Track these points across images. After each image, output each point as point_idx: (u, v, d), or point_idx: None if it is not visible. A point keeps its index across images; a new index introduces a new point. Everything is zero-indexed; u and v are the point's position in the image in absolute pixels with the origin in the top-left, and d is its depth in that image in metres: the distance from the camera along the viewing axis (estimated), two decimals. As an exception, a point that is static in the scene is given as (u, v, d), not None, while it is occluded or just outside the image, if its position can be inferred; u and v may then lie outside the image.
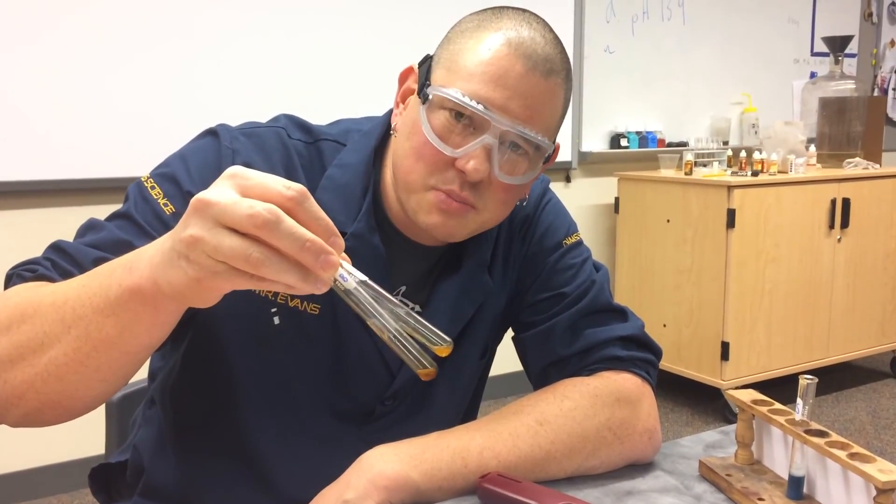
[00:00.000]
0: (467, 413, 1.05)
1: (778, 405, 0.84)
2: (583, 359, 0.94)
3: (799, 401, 0.78)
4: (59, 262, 0.77)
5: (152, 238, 0.68)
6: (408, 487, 0.78)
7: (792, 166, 3.25)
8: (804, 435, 0.76)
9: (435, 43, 0.89)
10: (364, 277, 0.61)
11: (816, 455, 0.77)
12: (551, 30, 0.85)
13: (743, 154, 3.28)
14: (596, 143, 3.55)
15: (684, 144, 3.68)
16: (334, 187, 0.88)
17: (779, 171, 3.24)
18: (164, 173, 0.85)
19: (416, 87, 0.87)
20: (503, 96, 0.80)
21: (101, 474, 1.01)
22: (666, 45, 3.67)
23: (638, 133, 3.59)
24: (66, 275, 0.75)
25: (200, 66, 2.58)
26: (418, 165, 0.82)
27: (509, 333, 1.04)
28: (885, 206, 3.45)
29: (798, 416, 0.79)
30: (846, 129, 3.56)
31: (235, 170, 0.58)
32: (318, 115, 1.02)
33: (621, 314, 0.97)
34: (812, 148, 3.53)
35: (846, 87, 3.65)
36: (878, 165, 3.53)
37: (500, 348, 1.05)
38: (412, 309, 0.93)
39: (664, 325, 3.27)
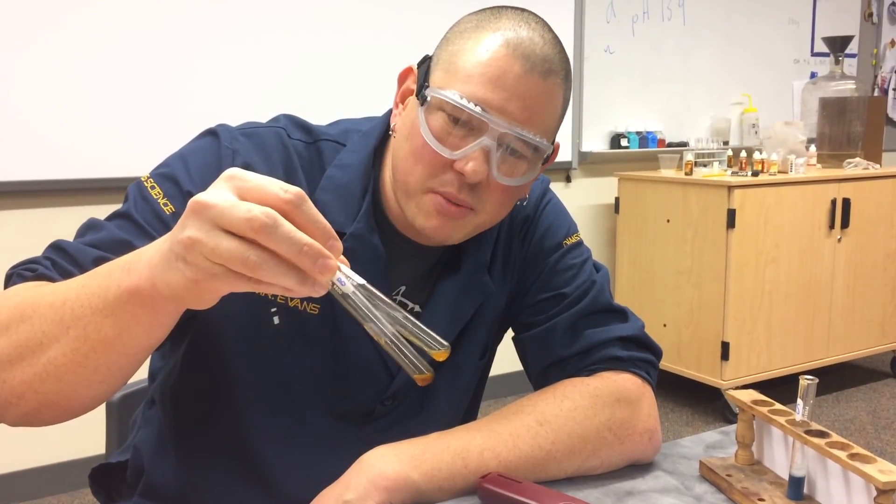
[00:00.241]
0: (467, 413, 1.05)
1: (778, 405, 0.84)
2: (583, 359, 0.94)
3: (799, 401, 0.78)
4: (59, 262, 0.77)
5: (152, 238, 0.68)
6: (408, 488, 0.78)
7: (792, 166, 3.25)
8: (804, 435, 0.76)
9: (434, 42, 0.89)
10: (362, 281, 0.60)
11: (817, 455, 0.77)
12: (550, 29, 0.85)
13: (743, 154, 3.28)
14: (596, 143, 3.55)
15: (684, 144, 3.68)
16: (334, 187, 0.88)
17: (779, 172, 3.24)
18: (164, 173, 0.85)
19: (414, 87, 0.86)
20: (501, 98, 0.80)
21: (101, 474, 1.01)
22: (666, 46, 3.67)
23: (638, 133, 3.59)
24: (66, 274, 0.75)
25: (200, 66, 2.58)
26: (417, 167, 0.82)
27: (509, 334, 1.04)
28: (885, 207, 3.45)
29: (798, 417, 0.79)
30: (846, 129, 3.56)
31: (233, 172, 0.58)
32: (318, 116, 1.02)
33: (621, 314, 0.97)
34: (812, 148, 3.53)
35: (846, 88, 3.65)
36: (878, 165, 3.53)
37: (499, 348, 1.05)
38: (411, 310, 0.93)
39: (664, 326, 3.27)
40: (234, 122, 0.93)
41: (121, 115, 2.47)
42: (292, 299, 0.87)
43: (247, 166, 0.84)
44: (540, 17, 0.86)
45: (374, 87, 2.82)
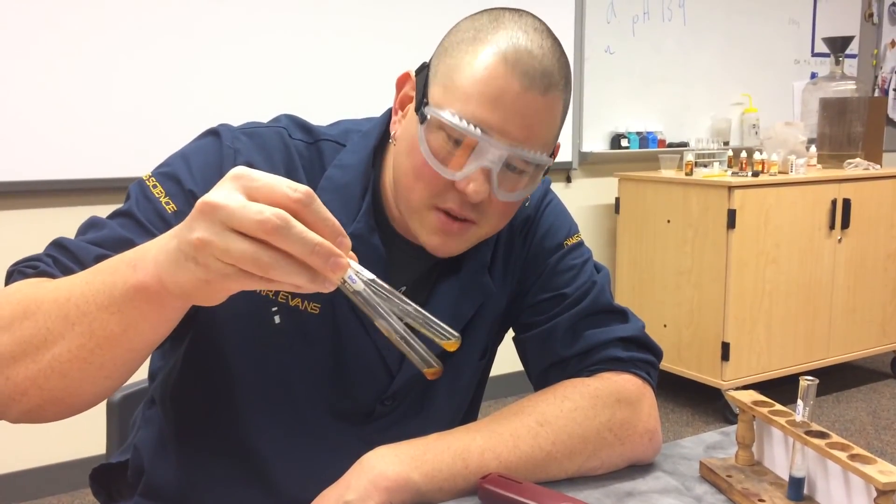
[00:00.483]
0: (467, 414, 1.05)
1: (778, 406, 0.84)
2: (583, 360, 0.94)
3: (799, 402, 0.78)
4: (61, 259, 0.76)
5: (154, 236, 0.68)
6: (409, 488, 0.78)
7: (792, 167, 3.25)
8: (805, 436, 0.76)
9: (433, 42, 0.88)
10: (372, 276, 0.61)
11: (817, 456, 0.77)
12: (550, 34, 0.83)
13: (743, 154, 3.29)
14: (596, 143, 3.55)
15: (685, 145, 3.68)
16: (334, 187, 0.88)
17: (779, 172, 3.24)
18: (165, 172, 0.85)
19: (413, 94, 0.86)
20: (501, 118, 0.78)
21: (101, 475, 1.01)
22: (666, 46, 3.67)
23: (638, 133, 3.59)
24: (67, 272, 0.75)
25: (201, 66, 2.58)
26: (418, 185, 0.82)
27: (510, 334, 1.04)
28: (885, 207, 3.45)
29: (798, 418, 0.79)
30: (847, 129, 3.56)
31: (240, 171, 0.58)
32: (318, 117, 1.02)
33: (622, 315, 0.97)
34: (812, 148, 3.53)
35: (847, 88, 3.65)
36: (878, 166, 3.53)
37: (500, 349, 1.06)
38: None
39: (664, 326, 3.27)
40: (235, 122, 0.93)
41: (121, 116, 2.47)
42: (293, 298, 0.87)
43: (248, 165, 0.83)
44: (539, 22, 0.83)
45: (374, 88, 2.82)
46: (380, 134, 0.92)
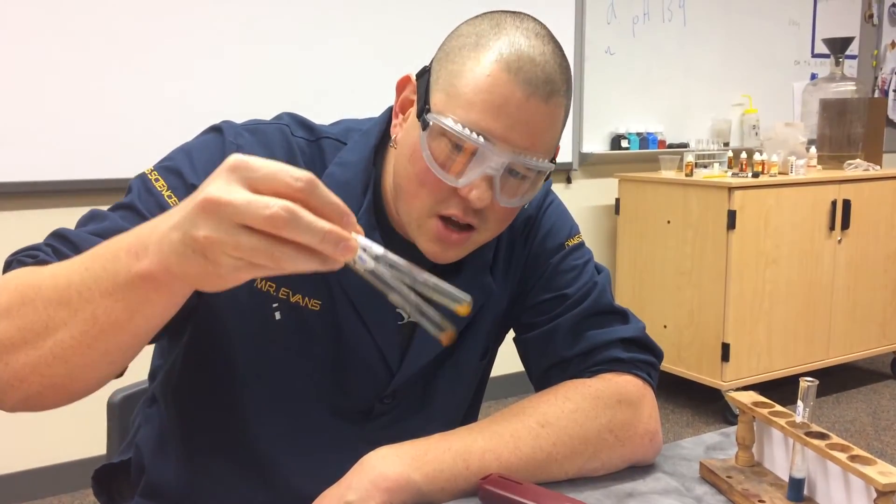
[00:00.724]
0: (468, 414, 1.06)
1: (778, 407, 0.84)
2: (584, 360, 0.94)
3: (799, 403, 0.78)
4: (61, 249, 0.76)
5: None
6: (409, 489, 0.78)
7: (792, 168, 3.25)
8: (805, 437, 0.76)
9: (433, 42, 0.88)
10: (381, 250, 0.61)
11: (817, 457, 0.77)
12: (551, 38, 0.83)
13: (743, 155, 3.29)
14: (596, 144, 3.55)
15: (685, 146, 3.68)
16: (334, 185, 0.88)
17: (779, 173, 3.24)
18: (168, 166, 0.85)
19: (413, 97, 0.86)
20: (504, 126, 0.79)
21: (103, 475, 1.01)
22: (667, 47, 3.67)
23: (638, 134, 3.59)
24: None
25: (201, 67, 2.58)
26: (421, 191, 0.82)
27: (510, 335, 1.04)
28: (885, 208, 3.45)
29: (799, 419, 0.79)
30: (847, 130, 3.56)
31: (237, 161, 0.57)
32: (317, 117, 1.02)
33: (622, 316, 0.97)
34: (812, 149, 3.53)
35: (847, 89, 3.65)
36: (878, 167, 3.53)
37: (501, 349, 1.06)
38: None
39: (665, 327, 3.27)
40: (236, 121, 0.93)
41: (122, 117, 2.47)
42: (294, 294, 0.87)
43: None
44: (540, 26, 0.83)
45: (374, 88, 2.82)
46: (380, 133, 0.92)
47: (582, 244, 1.00)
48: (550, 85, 0.80)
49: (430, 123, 0.80)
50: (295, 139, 0.90)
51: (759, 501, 0.79)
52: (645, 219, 3.33)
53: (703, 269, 3.12)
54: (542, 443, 0.84)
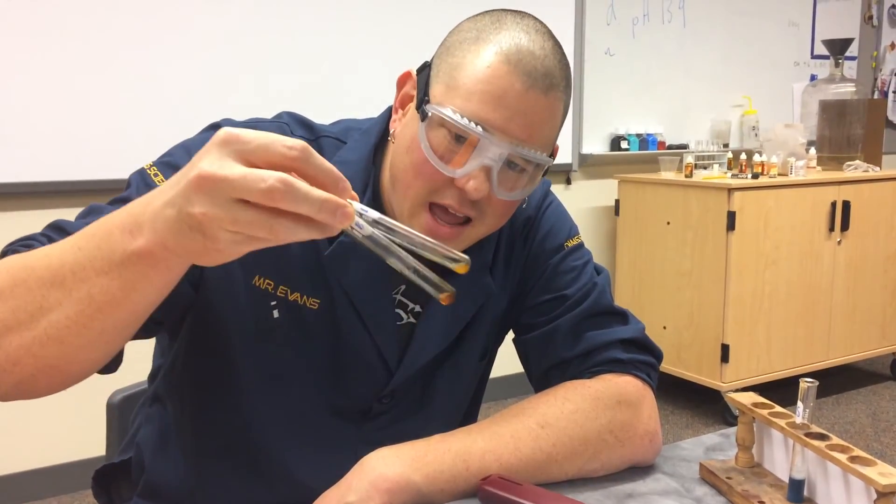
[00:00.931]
0: (467, 415, 1.06)
1: (778, 408, 0.84)
2: (584, 361, 0.94)
3: (799, 404, 0.78)
4: (57, 239, 0.75)
5: None
6: (409, 490, 0.78)
7: (792, 169, 3.25)
8: (805, 438, 0.76)
9: (433, 42, 0.88)
10: (377, 215, 0.61)
11: (817, 458, 0.77)
12: (551, 36, 0.84)
13: (743, 156, 3.29)
14: (596, 145, 3.55)
15: (684, 147, 3.68)
16: None
17: (779, 174, 3.24)
18: (167, 161, 0.86)
19: (413, 93, 0.86)
20: (503, 117, 0.79)
21: (103, 476, 1.01)
22: (666, 48, 3.67)
23: (638, 135, 3.59)
24: None
25: (201, 67, 2.58)
26: (417, 182, 0.82)
27: (510, 335, 1.04)
28: (885, 209, 3.45)
29: (798, 420, 0.79)
30: (846, 131, 3.56)
31: (229, 134, 0.56)
32: (316, 118, 1.02)
33: (622, 317, 0.97)
34: (812, 150, 3.53)
35: (846, 90, 3.65)
36: (878, 168, 3.53)
37: (500, 350, 1.06)
38: (411, 310, 0.93)
39: (664, 328, 3.27)
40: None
41: (122, 117, 2.47)
42: (292, 293, 0.87)
43: None
44: (541, 24, 0.84)
45: (373, 89, 2.82)
46: (380, 132, 0.92)
47: (581, 245, 1.01)
48: (550, 78, 0.81)
49: (429, 114, 0.81)
50: (294, 138, 0.90)
51: (759, 502, 0.79)
52: (644, 220, 3.33)
53: (702, 270, 3.12)
54: (542, 444, 0.84)
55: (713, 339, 3.10)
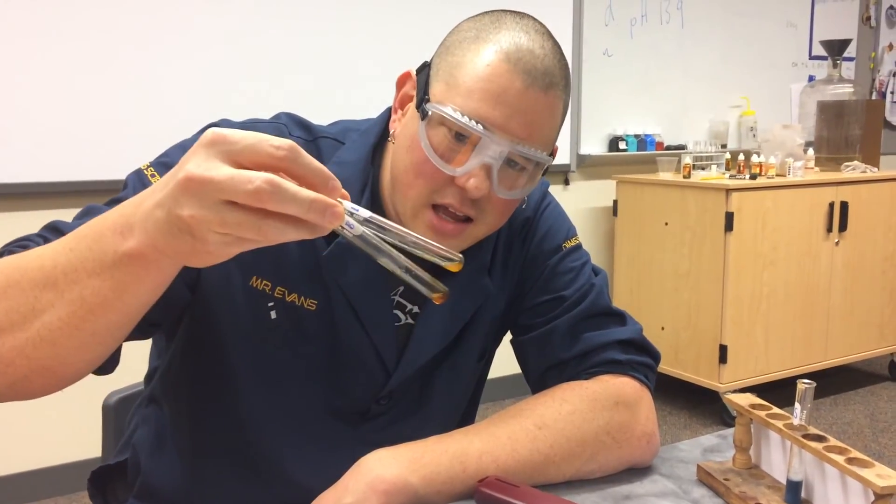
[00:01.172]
0: (465, 416, 1.05)
1: (776, 409, 0.84)
2: (582, 362, 0.94)
3: (797, 405, 0.78)
4: (53, 240, 0.75)
5: None
6: (406, 491, 0.77)
7: (790, 169, 3.26)
8: (802, 440, 0.76)
9: (432, 43, 0.88)
10: (368, 213, 0.60)
11: (815, 460, 0.77)
12: (551, 36, 0.84)
13: (741, 157, 3.29)
14: (594, 145, 3.55)
15: (683, 147, 3.68)
16: None
17: (777, 175, 3.24)
18: (164, 162, 0.86)
19: (413, 93, 0.86)
20: (503, 114, 0.79)
21: (99, 477, 1.01)
22: (664, 49, 3.67)
23: (636, 136, 3.60)
24: None
25: (199, 68, 2.58)
26: (418, 181, 0.82)
27: (507, 336, 1.04)
28: (883, 210, 3.46)
29: (796, 421, 0.79)
30: (844, 132, 3.56)
31: (216, 135, 0.56)
32: (314, 118, 1.02)
33: (620, 318, 0.97)
34: (810, 151, 3.53)
35: (844, 91, 3.65)
36: (876, 169, 3.53)
37: (498, 350, 1.05)
38: (409, 311, 0.93)
39: (662, 328, 3.27)
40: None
41: (120, 118, 2.47)
42: (289, 294, 0.87)
43: None
44: (540, 24, 0.85)
45: (371, 89, 2.82)
46: (379, 132, 0.92)
47: (579, 246, 1.00)
48: (549, 77, 0.81)
49: (429, 113, 0.81)
50: (292, 138, 0.89)
51: (757, 504, 0.79)
52: (642, 220, 3.33)
53: (700, 270, 3.12)
54: (540, 445, 0.84)
55: (711, 340, 3.10)
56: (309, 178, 0.57)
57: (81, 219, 0.80)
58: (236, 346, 0.88)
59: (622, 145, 3.55)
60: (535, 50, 0.81)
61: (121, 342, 0.72)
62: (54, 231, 0.78)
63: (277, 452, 0.90)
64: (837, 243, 3.32)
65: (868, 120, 3.56)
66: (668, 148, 3.66)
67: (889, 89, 4.63)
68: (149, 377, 0.99)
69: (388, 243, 0.61)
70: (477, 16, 0.86)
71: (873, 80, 4.61)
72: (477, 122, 0.79)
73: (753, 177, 3.17)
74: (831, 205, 3.27)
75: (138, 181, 0.84)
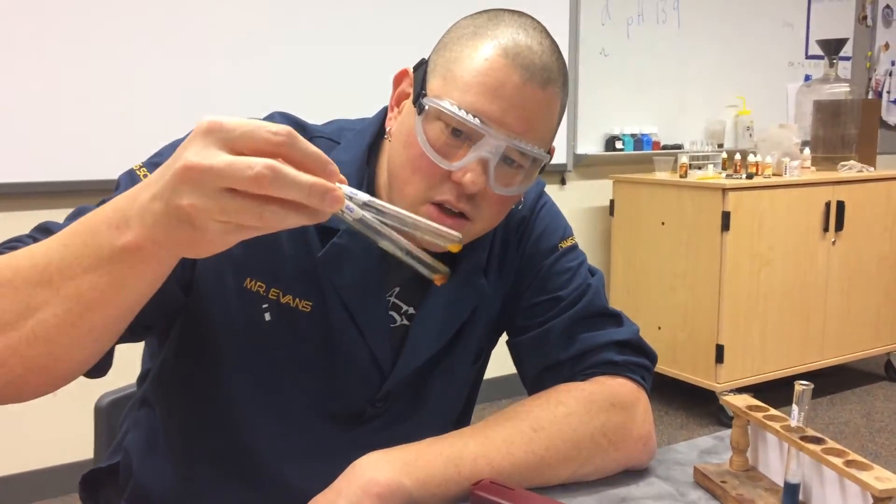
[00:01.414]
0: (460, 418, 1.05)
1: (773, 411, 0.84)
2: (578, 363, 0.93)
3: (794, 406, 0.78)
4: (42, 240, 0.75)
5: None
6: (400, 494, 0.77)
7: (786, 169, 3.26)
8: (800, 442, 0.76)
9: (430, 43, 0.88)
10: (367, 197, 0.60)
11: (812, 462, 0.77)
12: (548, 35, 0.84)
13: (737, 157, 3.29)
14: (591, 145, 3.55)
15: (679, 147, 3.68)
16: None
17: (773, 174, 3.24)
18: (156, 162, 0.85)
19: (410, 90, 0.86)
20: (500, 108, 0.79)
21: (90, 480, 1.00)
22: (661, 49, 3.67)
23: (633, 136, 3.59)
24: None
25: (196, 68, 2.57)
26: (414, 177, 0.82)
27: (504, 337, 1.03)
28: (879, 209, 3.46)
29: (793, 423, 0.78)
30: (840, 131, 3.56)
31: (212, 123, 0.55)
32: (312, 118, 1.01)
33: (616, 318, 0.97)
34: (806, 151, 3.53)
35: (840, 90, 3.65)
36: (872, 168, 3.53)
37: (494, 351, 1.05)
38: (405, 312, 0.92)
39: (659, 328, 3.27)
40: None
41: (119, 118, 2.46)
42: (284, 295, 0.86)
43: None
44: (538, 23, 0.85)
45: (370, 89, 2.81)
46: (374, 132, 0.92)
47: (575, 246, 1.00)
48: (547, 73, 0.81)
49: (426, 107, 0.80)
50: None
51: (754, 507, 0.78)
52: (639, 220, 3.33)
53: (697, 270, 3.12)
54: (535, 447, 0.84)
55: (708, 340, 3.10)
56: (307, 163, 0.56)
57: (73, 219, 0.79)
58: (230, 348, 0.87)
59: (619, 145, 3.54)
60: (534, 46, 0.80)
61: (115, 340, 0.72)
62: (45, 232, 0.77)
63: (270, 455, 0.89)
64: (834, 243, 3.32)
65: (864, 119, 3.56)
66: (665, 147, 3.66)
67: (885, 89, 4.64)
68: (141, 379, 0.99)
69: (388, 226, 0.61)
70: (475, 14, 0.86)
71: (869, 79, 4.61)
72: (474, 116, 0.79)
73: (750, 176, 3.17)
74: (828, 204, 3.27)
75: (130, 182, 0.83)
